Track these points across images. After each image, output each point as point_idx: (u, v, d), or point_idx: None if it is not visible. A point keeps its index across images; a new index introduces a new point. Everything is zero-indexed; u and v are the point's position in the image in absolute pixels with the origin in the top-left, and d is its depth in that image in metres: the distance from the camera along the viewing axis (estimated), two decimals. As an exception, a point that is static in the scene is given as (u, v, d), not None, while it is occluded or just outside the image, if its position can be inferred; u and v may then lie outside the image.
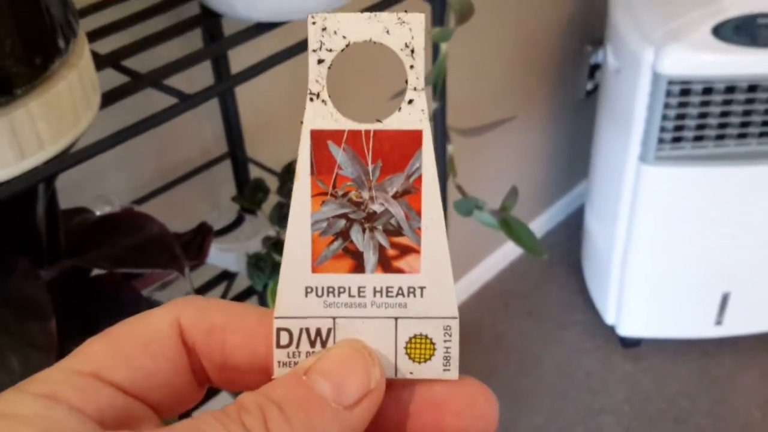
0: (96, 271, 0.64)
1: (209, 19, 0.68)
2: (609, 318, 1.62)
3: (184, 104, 0.57)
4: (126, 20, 0.66)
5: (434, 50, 0.69)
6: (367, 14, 0.22)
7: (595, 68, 1.67)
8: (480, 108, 1.47)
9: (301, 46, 0.62)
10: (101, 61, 0.60)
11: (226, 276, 0.95)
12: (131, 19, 0.67)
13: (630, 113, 1.32)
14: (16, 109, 0.47)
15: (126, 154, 0.84)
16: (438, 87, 0.69)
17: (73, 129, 0.51)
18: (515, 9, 1.45)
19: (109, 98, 0.56)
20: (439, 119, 0.74)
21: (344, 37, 0.22)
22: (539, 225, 1.85)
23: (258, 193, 0.89)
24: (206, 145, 0.97)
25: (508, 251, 1.75)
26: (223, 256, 0.89)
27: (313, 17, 0.22)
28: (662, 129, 1.29)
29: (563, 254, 1.81)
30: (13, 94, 0.47)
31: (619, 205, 1.44)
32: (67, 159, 0.52)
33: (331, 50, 0.22)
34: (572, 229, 1.85)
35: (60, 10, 0.50)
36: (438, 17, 0.68)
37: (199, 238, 0.71)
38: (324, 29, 0.22)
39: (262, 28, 0.64)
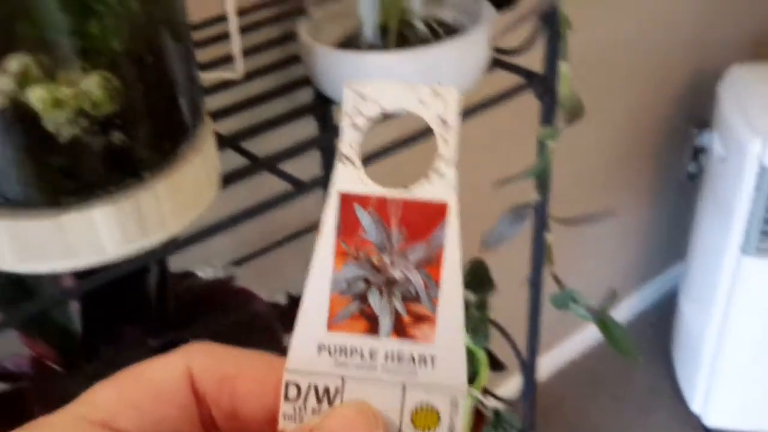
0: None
1: (323, 106, 0.70)
2: (695, 406, 1.58)
3: (298, 191, 0.58)
4: (244, 103, 0.68)
5: (540, 146, 0.69)
6: (404, 84, 0.22)
7: (698, 150, 1.64)
8: (581, 188, 1.46)
9: (414, 137, 0.63)
10: (222, 142, 0.62)
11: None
12: (249, 101, 0.68)
13: (733, 202, 1.29)
14: (143, 190, 0.48)
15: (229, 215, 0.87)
16: (543, 181, 0.70)
17: (194, 209, 0.52)
18: (621, 90, 1.44)
19: (228, 179, 0.58)
20: (540, 211, 0.74)
21: (380, 105, 0.22)
22: (631, 305, 1.81)
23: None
24: (306, 210, 0.99)
25: (596, 330, 1.71)
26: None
27: (350, 84, 0.22)
28: (766, 221, 1.26)
29: (653, 336, 1.77)
30: (141, 177, 0.48)
31: (716, 292, 1.41)
32: (184, 240, 0.54)
33: (365, 116, 0.22)
34: (664, 312, 1.81)
35: (190, 95, 0.51)
36: (547, 115, 0.68)
37: (297, 310, 0.73)
38: (361, 96, 0.22)
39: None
